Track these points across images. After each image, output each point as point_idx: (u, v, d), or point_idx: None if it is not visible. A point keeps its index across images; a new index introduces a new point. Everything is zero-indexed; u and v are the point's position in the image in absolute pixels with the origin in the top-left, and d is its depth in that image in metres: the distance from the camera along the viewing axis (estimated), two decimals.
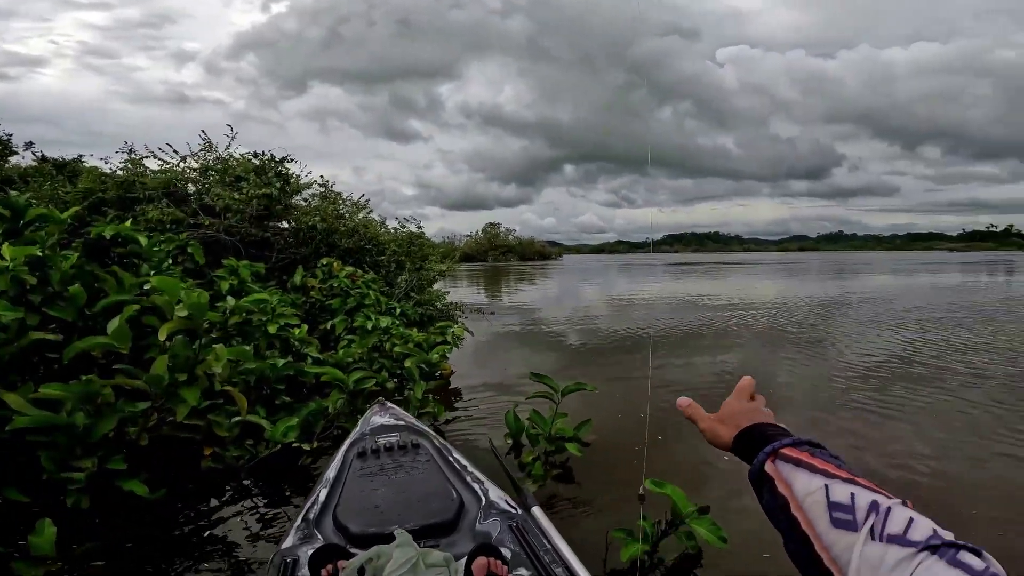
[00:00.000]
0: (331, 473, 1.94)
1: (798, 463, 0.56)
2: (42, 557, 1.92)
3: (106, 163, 6.91)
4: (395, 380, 4.84)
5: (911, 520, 0.44)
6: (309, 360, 4.39)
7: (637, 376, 5.74)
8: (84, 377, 2.22)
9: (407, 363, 3.83)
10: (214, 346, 2.61)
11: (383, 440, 2.13)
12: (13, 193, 3.05)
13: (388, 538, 1.43)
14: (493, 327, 9.35)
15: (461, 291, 16.57)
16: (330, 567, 1.37)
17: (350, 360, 4.53)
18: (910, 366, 5.92)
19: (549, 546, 1.54)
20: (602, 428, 3.91)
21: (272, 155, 7.20)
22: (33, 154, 13.15)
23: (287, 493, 2.95)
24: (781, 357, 6.66)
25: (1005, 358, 6.32)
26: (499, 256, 47.97)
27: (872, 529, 0.45)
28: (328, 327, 5.85)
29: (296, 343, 4.42)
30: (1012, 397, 4.75)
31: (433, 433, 2.25)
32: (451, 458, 2.04)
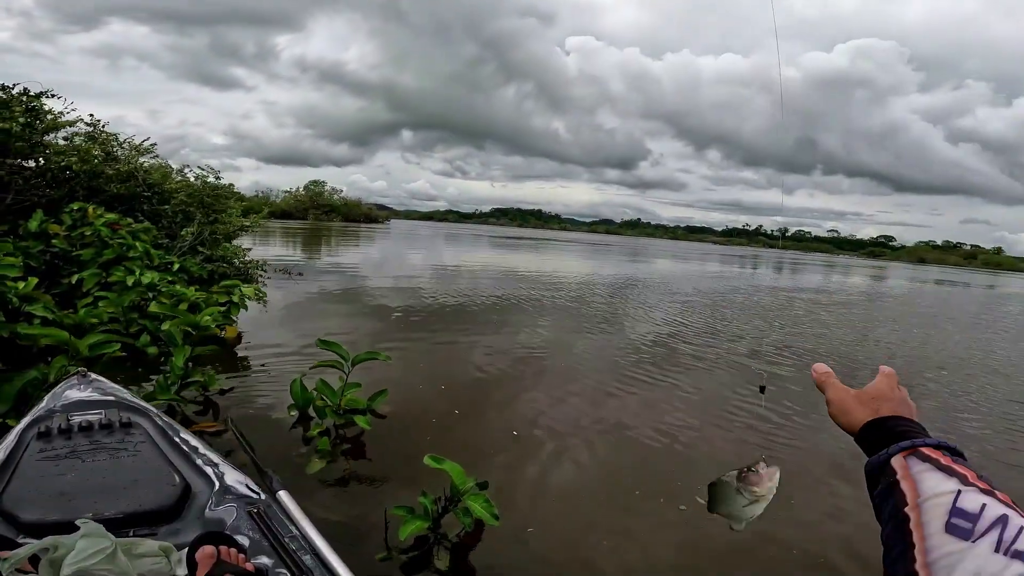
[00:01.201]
0: None
1: (935, 464, 0.53)
2: None
3: None
4: (159, 345, 4.13)
5: None
6: (36, 321, 3.50)
7: (449, 346, 5.77)
8: None
9: (165, 326, 3.27)
10: None
11: (78, 419, 1.74)
12: None
13: (75, 528, 1.19)
14: (304, 289, 8.63)
15: (273, 249, 15.00)
16: None
17: (95, 321, 3.72)
18: (666, 346, 6.88)
19: (296, 532, 1.41)
20: (402, 400, 3.81)
21: (25, 88, 6.06)
22: None
23: None
24: (580, 332, 7.31)
25: (725, 338, 7.83)
26: (321, 215, 44.38)
27: (999, 541, 0.43)
28: (74, 282, 4.78)
29: (15, 299, 3.47)
30: (733, 376, 5.90)
31: (155, 411, 1.91)
32: (177, 439, 1.75)
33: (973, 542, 0.44)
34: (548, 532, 2.42)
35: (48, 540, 1.12)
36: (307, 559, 1.31)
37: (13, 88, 5.99)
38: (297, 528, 1.43)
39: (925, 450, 0.55)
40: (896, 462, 0.56)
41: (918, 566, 0.46)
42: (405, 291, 9.44)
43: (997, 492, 0.49)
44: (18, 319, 3.46)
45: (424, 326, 6.66)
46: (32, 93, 6.09)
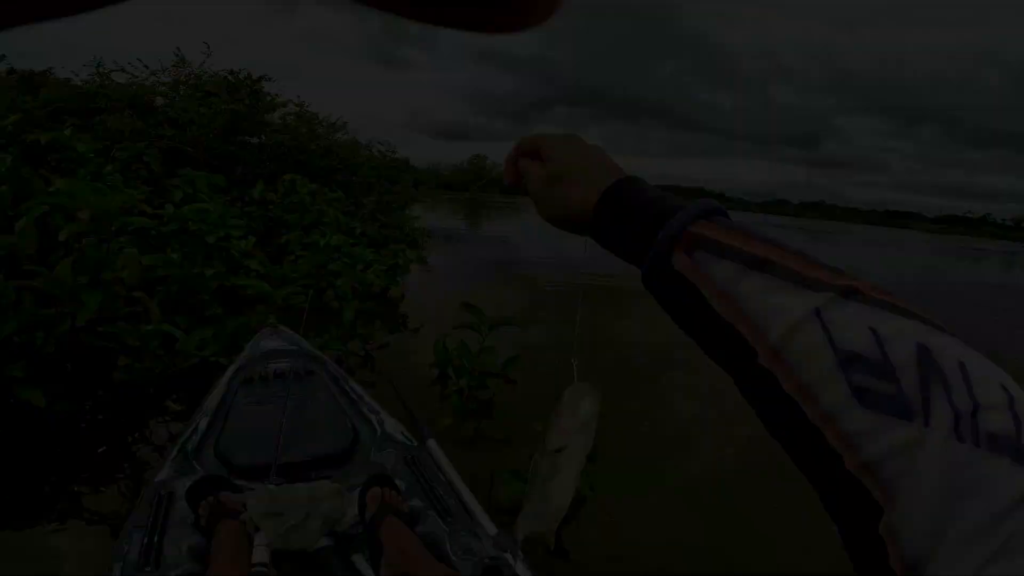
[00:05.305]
0: (212, 402, 1.84)
1: (733, 253, 0.31)
2: None
3: (77, 76, 7.02)
4: (341, 301, 4.85)
5: (1012, 398, 0.23)
6: (253, 273, 4.32)
7: (595, 325, 5.76)
8: None
9: (338, 281, 3.82)
10: (125, 250, 2.53)
11: (273, 366, 2.02)
12: None
13: (276, 469, 1.43)
14: (463, 256, 9.31)
15: (439, 218, 16.31)
16: (211, 499, 1.30)
17: (295, 276, 4.48)
18: None
19: (443, 479, 1.56)
20: (535, 370, 3.95)
21: (249, 74, 7.33)
22: None
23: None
24: None
25: None
26: (483, 187, 47.01)
27: (958, 424, 0.22)
28: (283, 242, 5.77)
29: (236, 254, 4.33)
30: None
31: (329, 360, 2.19)
32: (347, 387, 2.00)
33: (917, 422, 0.23)
34: (631, 525, 2.36)
35: (265, 494, 1.27)
36: (452, 503, 1.44)
37: (240, 73, 7.24)
38: (444, 475, 1.58)
39: (701, 228, 0.33)
40: (683, 266, 0.33)
41: (850, 467, 0.24)
42: (556, 264, 9.60)
43: (856, 282, 0.28)
44: (238, 271, 4.32)
45: (571, 301, 6.73)
46: (254, 78, 7.28)
